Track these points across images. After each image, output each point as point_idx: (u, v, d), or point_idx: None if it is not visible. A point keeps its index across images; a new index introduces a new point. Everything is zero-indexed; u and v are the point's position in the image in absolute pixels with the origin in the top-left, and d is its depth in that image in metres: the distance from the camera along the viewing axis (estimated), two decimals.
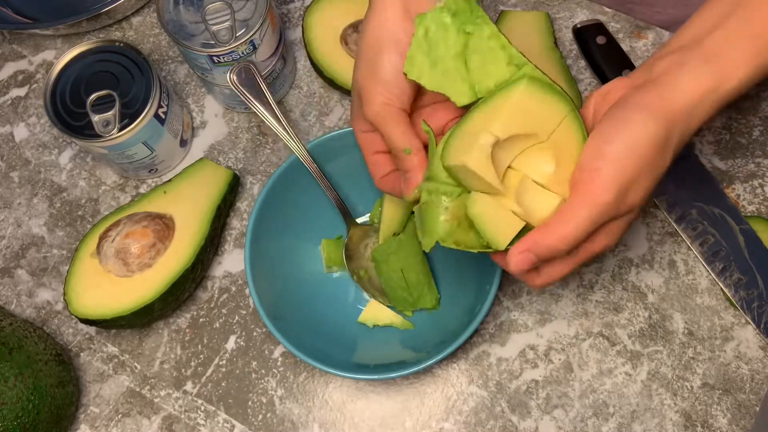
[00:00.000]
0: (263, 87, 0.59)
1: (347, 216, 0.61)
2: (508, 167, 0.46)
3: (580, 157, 0.45)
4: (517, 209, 0.46)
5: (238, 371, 0.62)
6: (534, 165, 0.46)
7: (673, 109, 0.44)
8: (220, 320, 0.63)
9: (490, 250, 0.46)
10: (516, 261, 0.44)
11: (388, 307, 0.61)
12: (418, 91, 0.51)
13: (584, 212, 0.43)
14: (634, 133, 0.43)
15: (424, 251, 0.58)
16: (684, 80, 0.45)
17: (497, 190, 0.45)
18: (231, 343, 0.62)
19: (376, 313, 0.61)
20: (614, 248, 0.45)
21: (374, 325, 0.61)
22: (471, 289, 0.58)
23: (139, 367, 0.62)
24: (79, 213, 0.68)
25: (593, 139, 0.45)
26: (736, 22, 0.46)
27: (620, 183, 0.43)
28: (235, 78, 0.59)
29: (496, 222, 0.45)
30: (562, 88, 0.48)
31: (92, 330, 0.64)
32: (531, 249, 0.44)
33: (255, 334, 0.63)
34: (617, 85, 0.47)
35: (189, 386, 0.61)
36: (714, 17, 0.46)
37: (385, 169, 0.52)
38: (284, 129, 0.58)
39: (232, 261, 0.65)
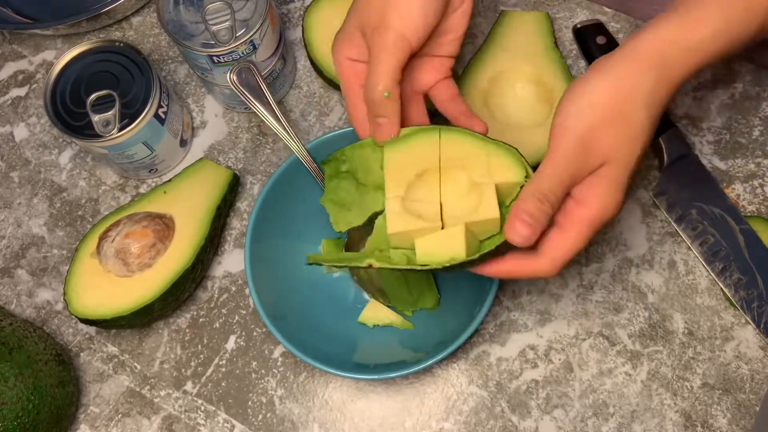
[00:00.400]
0: (263, 87, 0.59)
1: None
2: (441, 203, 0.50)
3: (554, 115, 0.47)
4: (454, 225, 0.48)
5: (238, 371, 0.62)
6: (453, 186, 0.49)
7: (635, 63, 0.45)
8: (220, 320, 0.63)
9: (456, 263, 0.47)
10: (514, 229, 0.45)
11: (388, 307, 0.61)
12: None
13: (549, 163, 0.45)
14: (594, 89, 0.45)
15: None
16: (645, 36, 0.46)
17: (437, 226, 0.48)
18: (231, 343, 0.62)
19: (376, 313, 0.61)
20: (618, 213, 0.47)
21: (374, 325, 0.61)
22: (471, 289, 0.58)
23: (139, 367, 0.62)
24: (79, 213, 0.68)
25: (562, 102, 0.47)
26: None
27: (578, 132, 0.45)
28: (235, 78, 0.59)
29: (440, 243, 0.48)
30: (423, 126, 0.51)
31: (92, 330, 0.64)
32: (515, 214, 0.45)
33: (255, 334, 0.63)
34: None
35: (189, 386, 0.61)
36: None
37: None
38: (284, 129, 0.58)
39: (232, 261, 0.65)
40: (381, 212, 0.52)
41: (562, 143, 0.45)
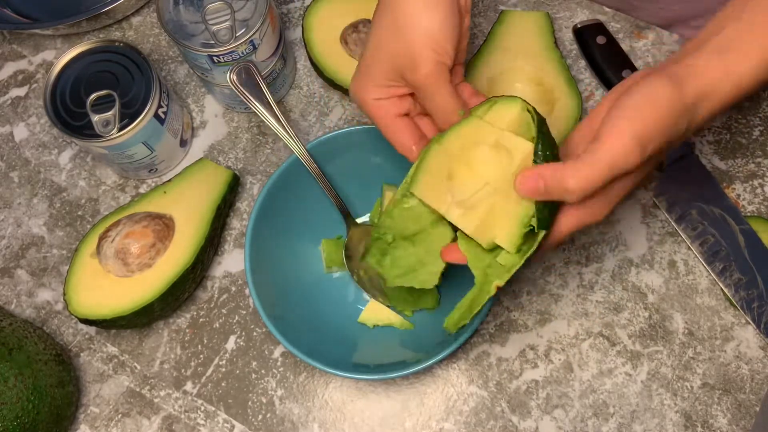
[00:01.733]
0: (263, 87, 0.59)
1: (347, 216, 0.61)
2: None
3: (596, 115, 0.46)
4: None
5: (238, 371, 0.62)
6: (481, 162, 0.49)
7: (687, 84, 0.44)
8: (220, 320, 0.63)
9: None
10: (522, 179, 0.44)
11: (388, 307, 0.61)
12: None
13: (606, 157, 0.43)
14: (654, 88, 0.44)
15: None
16: (698, 64, 0.45)
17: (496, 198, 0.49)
18: (231, 343, 0.62)
19: (376, 313, 0.61)
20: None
21: (374, 325, 0.61)
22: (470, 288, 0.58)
23: (139, 367, 0.62)
24: (79, 213, 0.68)
25: (613, 102, 0.45)
26: (749, 14, 0.46)
27: (642, 132, 0.43)
28: (235, 78, 0.59)
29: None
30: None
31: (92, 330, 0.64)
32: (542, 175, 0.44)
33: (255, 334, 0.63)
34: (634, 77, 0.48)
35: (189, 386, 0.61)
36: (728, 13, 0.47)
37: (414, 132, 0.52)
38: (284, 129, 0.58)
39: (232, 261, 0.65)
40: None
41: (619, 136, 0.43)
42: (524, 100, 0.48)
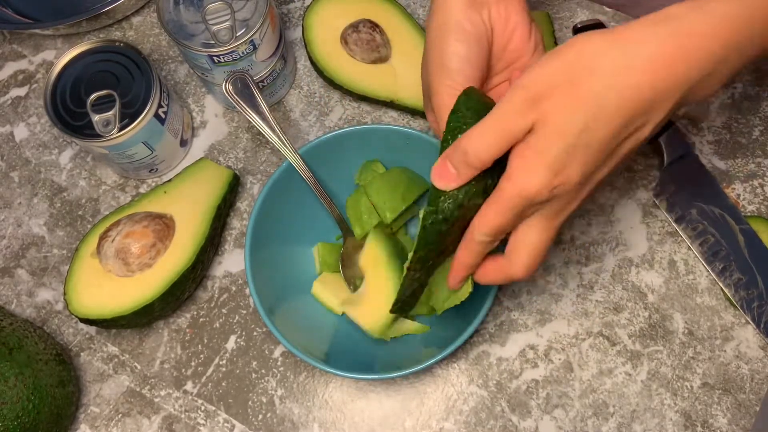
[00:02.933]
0: (258, 97, 0.59)
1: (343, 224, 0.61)
2: None
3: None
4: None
5: (238, 371, 0.62)
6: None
7: (645, 24, 0.40)
8: (220, 320, 0.63)
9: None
10: (436, 169, 0.43)
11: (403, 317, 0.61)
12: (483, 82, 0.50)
13: (487, 115, 0.41)
14: (565, 46, 0.40)
15: None
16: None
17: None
18: (231, 343, 0.62)
19: (394, 329, 0.61)
20: (570, 197, 0.42)
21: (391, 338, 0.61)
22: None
23: (139, 366, 0.62)
24: (80, 213, 0.68)
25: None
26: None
27: (528, 83, 0.40)
28: (230, 88, 0.59)
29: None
30: None
31: (92, 330, 0.64)
32: (447, 155, 0.43)
33: (255, 334, 0.63)
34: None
35: (189, 386, 0.61)
36: None
37: None
38: (279, 139, 0.58)
39: (232, 261, 0.65)
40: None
41: (511, 95, 0.40)
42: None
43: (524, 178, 0.40)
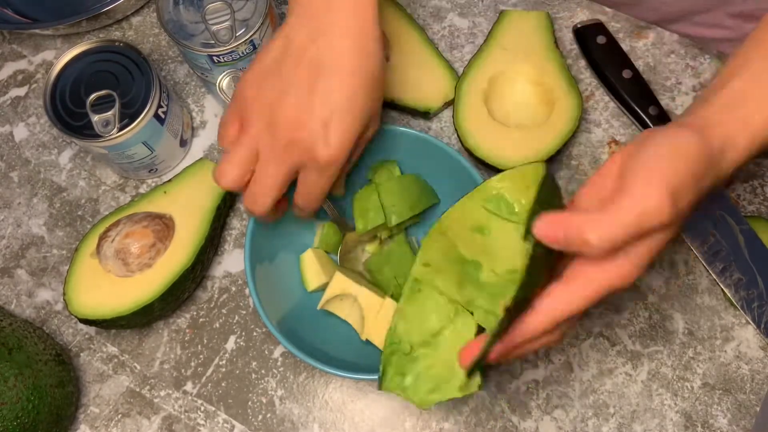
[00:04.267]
0: None
1: (341, 224, 0.61)
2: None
3: (606, 170, 0.43)
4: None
5: (238, 371, 0.62)
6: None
7: (708, 134, 0.42)
8: (220, 320, 0.63)
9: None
10: (542, 224, 0.40)
11: None
12: None
13: (635, 209, 0.39)
14: (679, 139, 0.41)
15: (415, 253, 0.59)
16: (712, 116, 0.43)
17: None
18: (231, 343, 0.62)
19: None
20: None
21: None
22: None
23: (138, 367, 0.62)
24: (79, 213, 0.68)
25: (628, 156, 0.41)
26: (755, 67, 0.44)
27: (674, 183, 0.39)
28: (224, 86, 0.59)
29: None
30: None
31: (92, 330, 0.64)
32: (562, 221, 0.40)
33: (255, 334, 0.63)
34: (645, 134, 0.44)
35: (189, 386, 0.61)
36: (731, 69, 0.45)
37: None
38: None
39: (232, 261, 0.65)
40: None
41: (646, 192, 0.39)
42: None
43: (626, 272, 0.41)
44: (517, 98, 0.66)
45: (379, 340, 0.56)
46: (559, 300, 0.42)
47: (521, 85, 0.66)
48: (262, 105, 0.49)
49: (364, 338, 0.57)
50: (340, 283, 0.58)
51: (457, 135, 0.64)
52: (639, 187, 0.39)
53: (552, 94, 0.64)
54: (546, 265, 0.43)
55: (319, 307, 0.59)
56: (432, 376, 0.46)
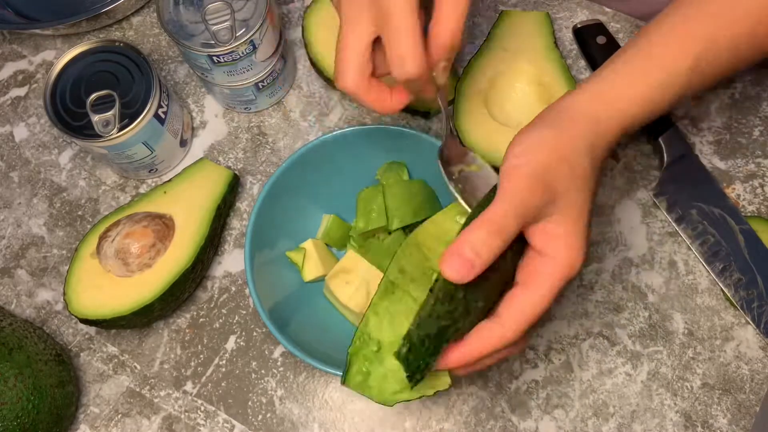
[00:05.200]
0: None
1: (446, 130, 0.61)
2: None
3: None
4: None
5: (238, 371, 0.62)
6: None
7: (574, 119, 0.46)
8: (220, 320, 0.63)
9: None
10: (449, 264, 0.41)
11: None
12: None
13: (501, 198, 0.43)
14: (538, 132, 0.45)
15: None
16: (579, 98, 0.47)
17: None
18: (231, 343, 0.62)
19: None
20: (583, 264, 0.45)
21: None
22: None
23: (139, 367, 0.62)
24: (79, 213, 0.68)
25: (509, 147, 0.46)
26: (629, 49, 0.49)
27: (532, 166, 0.43)
28: None
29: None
30: None
31: (92, 330, 0.64)
32: (455, 248, 0.42)
33: (255, 334, 0.63)
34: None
35: (189, 386, 0.61)
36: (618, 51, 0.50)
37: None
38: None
39: (232, 261, 0.65)
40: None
41: (514, 179, 0.43)
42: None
43: (571, 255, 0.43)
44: (517, 98, 0.65)
45: None
46: (524, 305, 0.43)
47: (521, 85, 0.65)
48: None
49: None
50: (352, 259, 0.59)
51: (457, 135, 0.63)
52: (507, 178, 0.43)
53: (551, 94, 0.64)
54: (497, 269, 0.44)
55: (327, 279, 0.59)
56: (399, 379, 0.45)
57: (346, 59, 0.48)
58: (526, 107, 0.65)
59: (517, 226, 0.42)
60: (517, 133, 0.47)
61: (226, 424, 0.60)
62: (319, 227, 0.63)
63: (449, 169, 0.53)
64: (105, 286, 0.59)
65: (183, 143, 0.68)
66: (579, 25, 0.69)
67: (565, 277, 0.43)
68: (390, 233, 0.61)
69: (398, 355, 0.42)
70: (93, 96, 0.61)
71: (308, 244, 0.61)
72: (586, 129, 0.46)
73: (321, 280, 0.61)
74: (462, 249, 0.41)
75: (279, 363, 0.62)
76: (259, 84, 0.65)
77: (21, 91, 0.73)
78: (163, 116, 0.63)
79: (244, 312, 0.63)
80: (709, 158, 0.65)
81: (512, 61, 0.65)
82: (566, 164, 0.44)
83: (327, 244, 0.63)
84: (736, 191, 0.64)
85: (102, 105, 0.61)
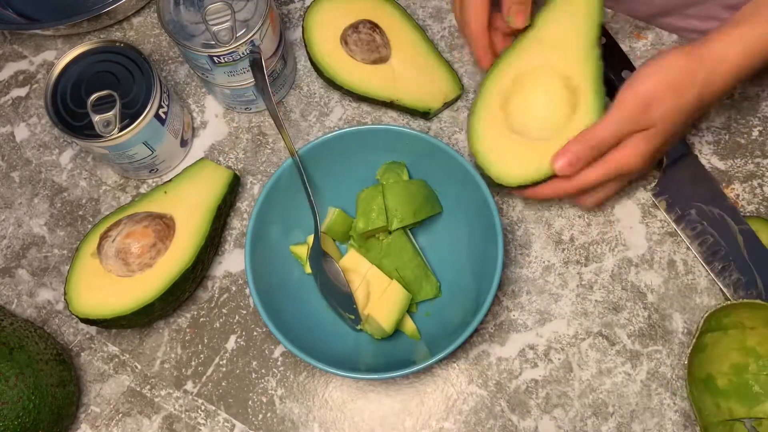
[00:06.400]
0: (267, 84, 0.60)
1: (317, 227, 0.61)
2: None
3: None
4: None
5: (238, 371, 0.62)
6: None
7: (702, 56, 0.53)
8: (221, 320, 0.63)
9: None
10: (558, 160, 0.55)
11: None
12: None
13: (610, 115, 0.54)
14: (663, 59, 0.54)
15: (414, 245, 0.61)
16: (713, 36, 0.54)
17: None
18: (231, 343, 0.63)
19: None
20: (642, 171, 0.58)
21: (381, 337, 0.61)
22: (470, 289, 0.58)
23: (139, 366, 0.62)
24: (80, 213, 0.68)
25: (640, 67, 0.55)
26: None
27: (643, 94, 0.53)
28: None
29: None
30: None
31: (93, 330, 0.64)
32: (565, 149, 0.55)
33: (255, 333, 0.63)
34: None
35: (189, 386, 0.62)
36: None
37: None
38: (283, 125, 0.59)
39: (232, 261, 0.65)
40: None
41: (626, 100, 0.54)
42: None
43: (634, 154, 0.55)
44: (539, 105, 0.60)
45: (381, 318, 0.58)
46: (587, 172, 0.57)
47: (547, 89, 0.60)
48: None
49: (366, 313, 0.58)
50: (353, 259, 0.60)
51: (467, 135, 0.60)
52: (619, 96, 0.55)
53: (578, 103, 0.58)
54: None
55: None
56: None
57: (475, 8, 0.60)
58: (546, 118, 0.59)
59: (614, 142, 0.55)
60: (656, 55, 0.55)
61: (226, 424, 0.60)
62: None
63: None
64: (106, 286, 0.59)
65: (183, 143, 0.68)
66: None
67: (619, 166, 0.56)
68: (390, 233, 0.61)
69: None
70: (94, 96, 0.61)
71: (312, 239, 0.61)
72: (710, 61, 0.53)
73: None
74: (567, 152, 0.56)
75: (279, 362, 0.62)
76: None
77: (22, 92, 0.73)
78: (163, 116, 0.63)
79: (245, 312, 0.64)
80: (709, 158, 0.65)
81: (544, 57, 0.60)
82: (677, 92, 0.53)
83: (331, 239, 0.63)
84: (735, 191, 0.64)
85: (103, 105, 0.61)
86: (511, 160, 0.59)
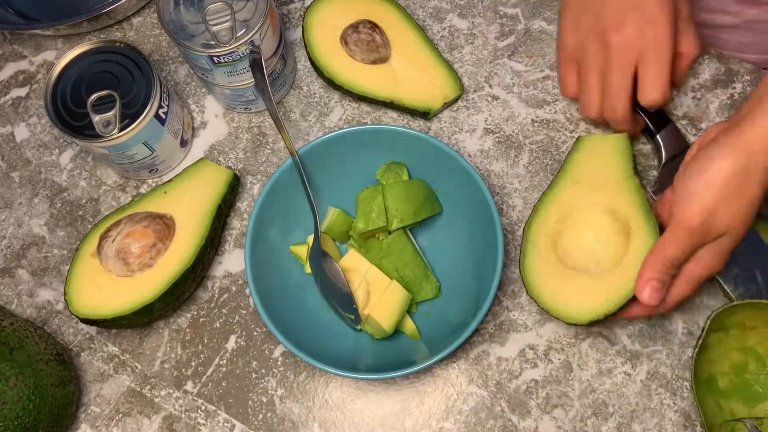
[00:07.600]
0: (267, 84, 0.60)
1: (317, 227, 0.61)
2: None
3: (675, 191, 0.55)
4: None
5: (238, 371, 0.62)
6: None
7: (751, 143, 0.51)
8: (221, 320, 0.63)
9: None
10: (644, 293, 0.54)
11: None
12: None
13: (674, 235, 0.53)
14: (712, 169, 0.52)
15: (414, 245, 0.61)
16: (761, 117, 0.51)
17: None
18: (231, 343, 0.63)
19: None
20: (724, 269, 0.55)
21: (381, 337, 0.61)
22: (470, 290, 0.58)
23: (139, 366, 0.62)
24: (80, 213, 0.68)
25: (682, 179, 0.54)
26: None
27: (706, 212, 0.52)
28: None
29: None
30: None
31: (93, 330, 0.64)
32: (646, 280, 0.54)
33: (255, 333, 0.63)
34: (715, 129, 0.55)
35: (189, 386, 0.62)
36: None
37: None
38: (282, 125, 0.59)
39: (232, 261, 0.65)
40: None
41: (685, 215, 0.52)
42: None
43: (714, 263, 0.54)
44: (590, 239, 0.59)
45: (381, 318, 0.58)
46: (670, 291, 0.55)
47: (594, 223, 0.59)
48: (586, 36, 0.60)
49: (366, 313, 0.58)
50: (353, 259, 0.60)
51: (523, 283, 0.59)
52: (683, 213, 0.53)
53: (629, 230, 0.57)
54: None
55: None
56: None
57: (623, 94, 0.60)
58: (600, 247, 0.58)
59: (686, 258, 0.54)
60: (695, 156, 0.54)
61: (226, 424, 0.60)
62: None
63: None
64: (105, 286, 0.59)
65: (183, 143, 0.68)
66: None
67: (702, 278, 0.55)
68: (390, 233, 0.61)
69: None
70: (94, 96, 0.61)
71: (312, 239, 0.61)
72: (762, 157, 0.51)
73: None
74: (649, 281, 0.54)
75: (279, 363, 0.62)
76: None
77: (22, 92, 0.73)
78: (163, 116, 0.63)
79: (245, 312, 0.64)
80: None
81: (584, 196, 0.60)
82: (738, 198, 0.52)
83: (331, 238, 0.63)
84: None
85: (103, 105, 0.61)
86: (578, 298, 0.56)
